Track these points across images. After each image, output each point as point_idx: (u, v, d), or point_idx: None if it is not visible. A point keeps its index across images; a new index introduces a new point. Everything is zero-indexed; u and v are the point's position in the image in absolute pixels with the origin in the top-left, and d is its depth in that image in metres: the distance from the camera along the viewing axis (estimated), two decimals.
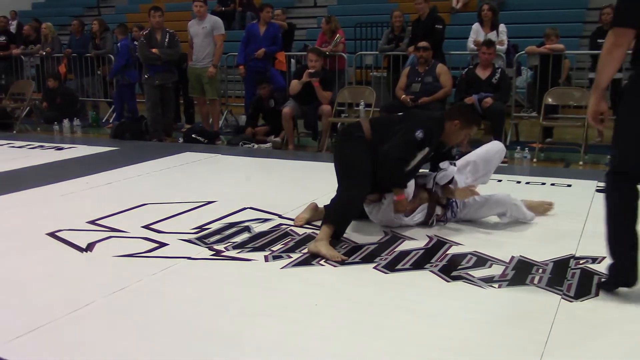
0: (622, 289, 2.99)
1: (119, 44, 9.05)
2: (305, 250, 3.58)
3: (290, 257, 3.50)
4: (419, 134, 3.82)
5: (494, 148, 4.31)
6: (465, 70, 7.44)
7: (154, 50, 7.92)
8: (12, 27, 13.32)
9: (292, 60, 9.69)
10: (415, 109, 4.39)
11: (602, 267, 3.27)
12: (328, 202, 3.98)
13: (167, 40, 8.01)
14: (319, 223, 4.05)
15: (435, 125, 3.95)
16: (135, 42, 8.88)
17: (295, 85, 7.33)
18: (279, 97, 7.91)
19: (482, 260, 3.42)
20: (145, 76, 8.07)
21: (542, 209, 4.32)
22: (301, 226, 4.09)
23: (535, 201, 4.36)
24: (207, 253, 3.58)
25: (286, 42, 9.46)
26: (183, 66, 8.71)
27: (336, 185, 3.98)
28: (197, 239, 3.83)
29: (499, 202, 4.11)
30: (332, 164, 4.07)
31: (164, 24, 8.27)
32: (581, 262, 3.39)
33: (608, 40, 2.82)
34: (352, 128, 4.12)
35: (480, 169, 4.22)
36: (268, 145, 7.61)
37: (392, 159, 3.81)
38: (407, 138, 3.84)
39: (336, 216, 3.73)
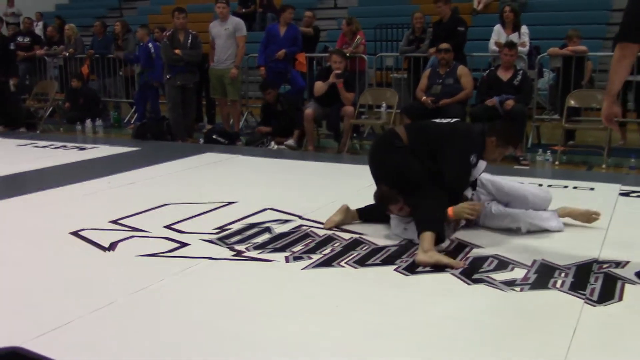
0: None
1: (150, 45, 9.08)
2: (327, 252, 3.58)
3: (311, 258, 3.50)
4: (473, 159, 3.81)
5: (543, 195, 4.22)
6: (487, 71, 7.39)
7: (176, 51, 7.99)
8: (38, 29, 13.50)
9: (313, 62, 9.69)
10: (458, 121, 4.29)
11: (626, 272, 3.25)
12: (361, 205, 4.02)
13: (189, 41, 8.09)
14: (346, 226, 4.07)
15: (481, 145, 3.91)
16: (158, 43, 8.95)
17: (320, 86, 7.34)
18: (285, 101, 7.93)
19: (503, 264, 3.39)
20: (167, 77, 8.14)
21: (586, 217, 4.07)
22: (331, 229, 4.02)
23: (580, 209, 4.12)
24: (228, 253, 3.60)
25: (311, 45, 9.39)
26: (204, 66, 8.75)
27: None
28: (218, 239, 3.85)
29: (514, 218, 4.04)
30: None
31: (187, 25, 8.35)
32: (604, 266, 3.35)
33: (616, 53, 3.15)
34: (391, 137, 3.97)
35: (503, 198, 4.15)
36: (287, 143, 7.60)
37: (460, 186, 3.85)
38: (466, 165, 3.81)
39: (433, 221, 3.60)
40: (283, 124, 7.79)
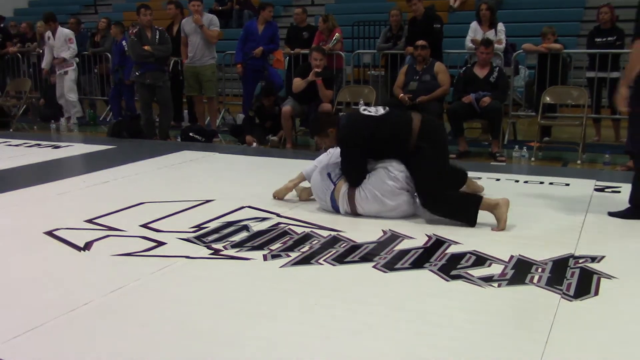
0: (622, 289, 3.00)
1: (124, 42, 8.98)
2: (305, 249, 3.57)
3: (289, 256, 3.48)
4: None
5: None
6: (463, 68, 7.44)
7: (146, 47, 7.90)
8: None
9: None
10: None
11: (602, 267, 3.28)
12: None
13: (157, 37, 8.01)
14: (315, 221, 4.06)
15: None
16: None
17: (299, 83, 7.32)
18: (282, 102, 7.90)
19: (481, 260, 3.41)
20: (137, 73, 8.02)
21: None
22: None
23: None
24: (206, 252, 3.57)
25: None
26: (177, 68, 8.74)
27: None
28: (196, 237, 3.82)
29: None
30: None
31: (155, 22, 8.31)
32: (580, 261, 3.38)
33: (637, 45, 3.89)
34: None
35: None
36: (273, 138, 7.57)
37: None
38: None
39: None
40: (276, 122, 7.73)
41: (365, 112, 4.31)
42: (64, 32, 9.40)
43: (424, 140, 4.08)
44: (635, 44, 3.90)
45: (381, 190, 4.14)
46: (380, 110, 4.29)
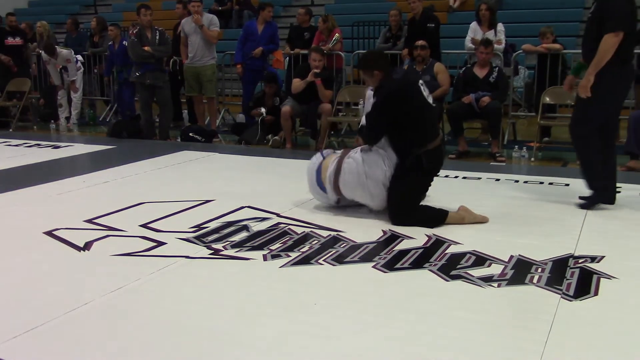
0: (622, 289, 3.00)
1: (125, 42, 8.97)
2: (305, 249, 3.57)
3: (289, 256, 3.49)
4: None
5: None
6: (463, 69, 7.44)
7: (146, 48, 7.89)
8: None
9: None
10: None
11: (601, 267, 3.28)
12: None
13: (157, 37, 8.00)
14: (315, 221, 4.05)
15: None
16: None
17: (298, 84, 7.32)
18: (284, 97, 7.90)
19: (481, 260, 3.41)
20: (137, 74, 8.01)
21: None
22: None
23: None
24: (205, 252, 3.57)
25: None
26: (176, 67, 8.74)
27: None
28: (195, 237, 3.82)
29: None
30: None
31: (155, 22, 8.31)
32: (580, 261, 3.38)
33: (613, 39, 4.10)
34: None
35: None
36: (275, 137, 7.59)
37: None
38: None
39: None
40: (277, 121, 7.73)
41: (422, 88, 4.24)
42: (62, 53, 9.42)
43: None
44: (606, 37, 4.10)
45: (369, 172, 4.16)
46: (430, 99, 4.28)
